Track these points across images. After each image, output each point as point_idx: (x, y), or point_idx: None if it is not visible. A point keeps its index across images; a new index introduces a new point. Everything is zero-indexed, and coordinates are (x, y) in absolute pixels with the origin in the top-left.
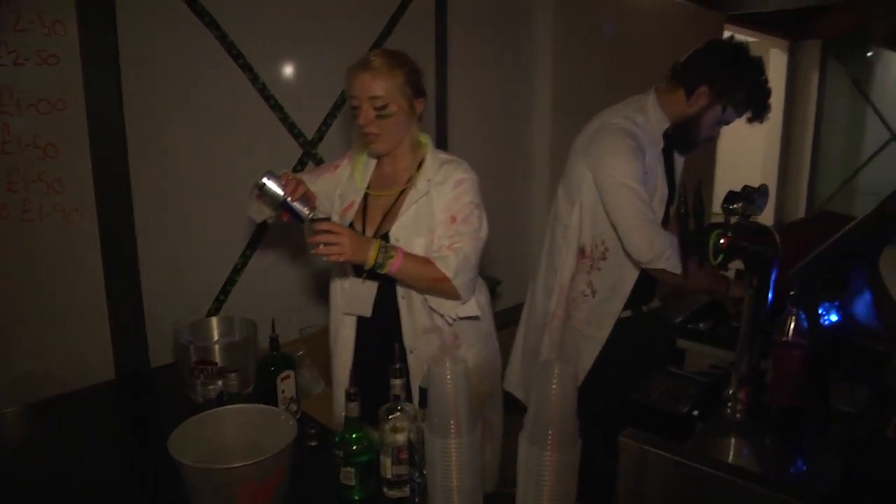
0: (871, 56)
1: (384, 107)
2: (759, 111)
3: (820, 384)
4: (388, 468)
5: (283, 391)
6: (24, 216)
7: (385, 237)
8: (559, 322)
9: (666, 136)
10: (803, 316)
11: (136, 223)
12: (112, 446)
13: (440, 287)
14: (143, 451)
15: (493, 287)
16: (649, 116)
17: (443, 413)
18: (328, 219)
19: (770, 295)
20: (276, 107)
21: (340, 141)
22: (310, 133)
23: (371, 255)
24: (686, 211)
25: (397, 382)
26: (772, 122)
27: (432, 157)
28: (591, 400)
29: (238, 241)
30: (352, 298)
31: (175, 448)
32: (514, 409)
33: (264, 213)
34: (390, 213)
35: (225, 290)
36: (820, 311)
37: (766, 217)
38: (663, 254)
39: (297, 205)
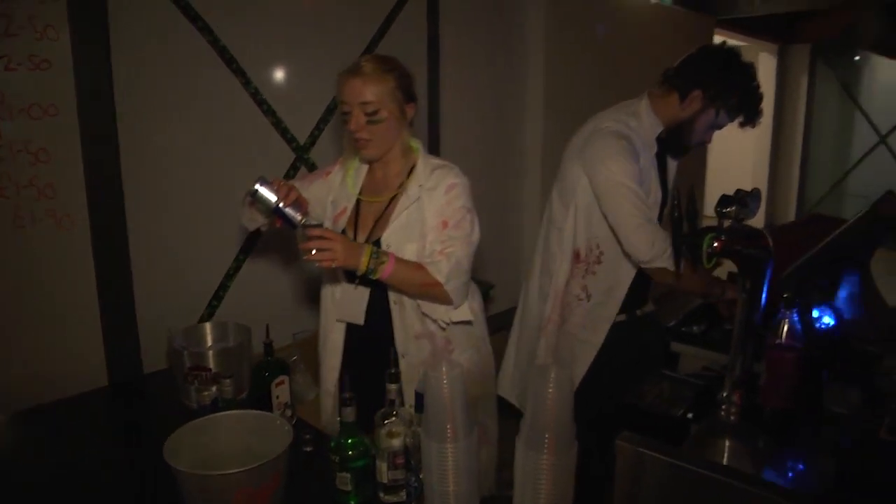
0: (858, 60)
1: (375, 112)
2: (750, 116)
3: (813, 386)
4: (385, 473)
5: (277, 396)
6: (15, 222)
7: (377, 243)
8: (554, 326)
9: (659, 140)
10: (796, 318)
11: (128, 229)
12: (106, 453)
13: (432, 292)
14: (138, 459)
15: (486, 291)
16: (643, 121)
17: (439, 417)
18: (320, 225)
19: (763, 298)
20: (269, 112)
21: (333, 146)
22: (302, 138)
23: (363, 261)
24: (679, 214)
25: (393, 387)
26: (762, 125)
27: (423, 162)
28: (586, 404)
29: (231, 246)
30: (344, 305)
31: (170, 455)
32: (508, 413)
33: (257, 221)
34: (382, 219)
35: (218, 296)
36: (812, 314)
37: (757, 220)
38: (664, 252)
39: (289, 210)
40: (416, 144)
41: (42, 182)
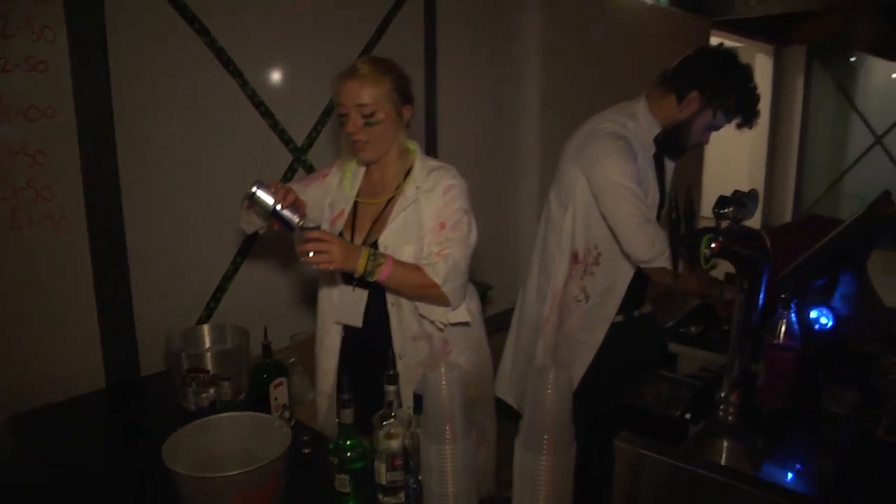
0: (854, 61)
1: (372, 114)
2: (747, 117)
3: (810, 386)
4: (383, 474)
5: (275, 398)
6: (13, 224)
7: (374, 245)
8: (552, 327)
9: (657, 141)
10: (794, 319)
11: (126, 231)
12: (104, 456)
13: (430, 294)
14: (136, 461)
15: (484, 292)
16: (640, 122)
17: (438, 418)
18: (318, 227)
19: (761, 298)
20: (267, 113)
21: (330, 148)
22: (300, 139)
23: (360, 263)
24: (677, 215)
25: (391, 389)
26: (758, 126)
27: (421, 164)
28: (585, 405)
29: (229, 248)
30: (342, 307)
31: (169, 457)
32: (505, 414)
33: (255, 224)
34: (379, 221)
35: (216, 298)
36: (810, 314)
37: (754, 221)
38: (664, 252)
39: (286, 213)
40: (414, 146)
41: (40, 184)
